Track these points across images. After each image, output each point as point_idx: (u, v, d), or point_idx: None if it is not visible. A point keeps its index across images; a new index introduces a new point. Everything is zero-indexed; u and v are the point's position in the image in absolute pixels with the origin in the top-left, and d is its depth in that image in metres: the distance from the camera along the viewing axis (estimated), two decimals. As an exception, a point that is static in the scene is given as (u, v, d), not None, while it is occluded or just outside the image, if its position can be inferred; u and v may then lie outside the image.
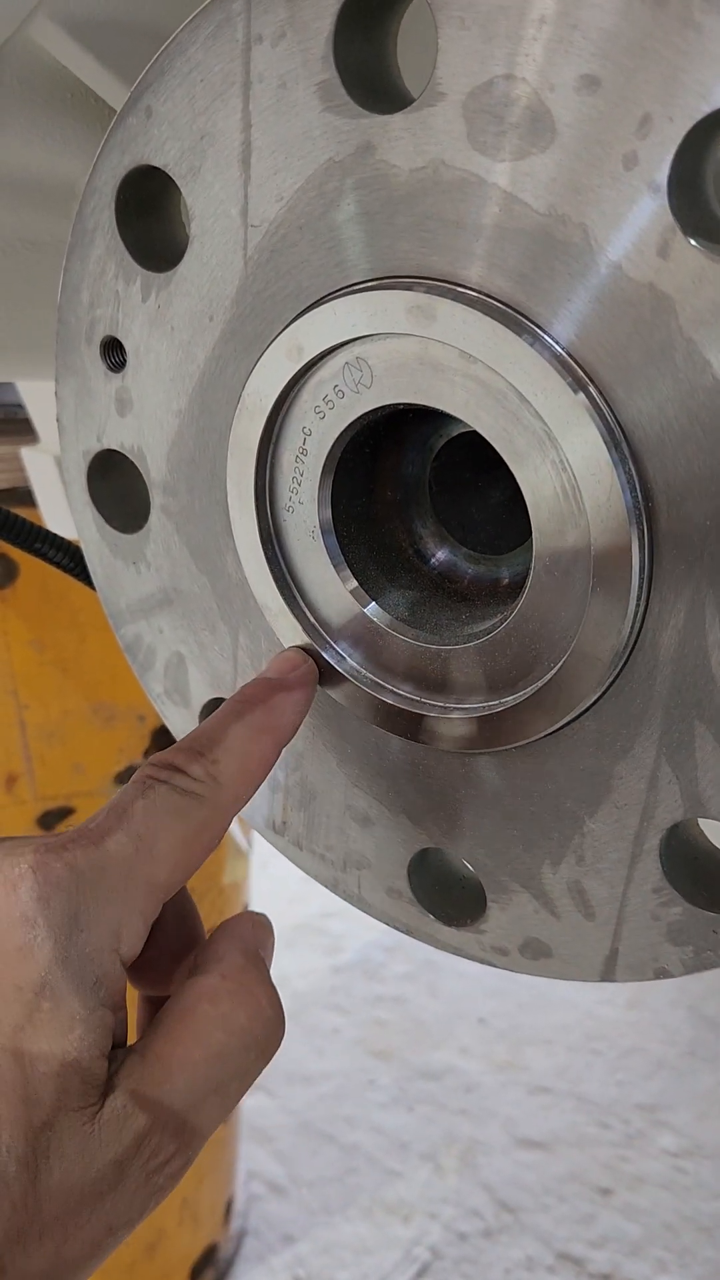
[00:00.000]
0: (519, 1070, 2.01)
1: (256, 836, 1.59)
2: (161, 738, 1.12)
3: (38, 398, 0.94)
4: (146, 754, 1.11)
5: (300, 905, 2.43)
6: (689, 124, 0.32)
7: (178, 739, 0.58)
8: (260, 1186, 1.74)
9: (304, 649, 0.48)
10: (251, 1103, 1.89)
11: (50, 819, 1.07)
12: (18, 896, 0.37)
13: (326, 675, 0.49)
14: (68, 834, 0.39)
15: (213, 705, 0.56)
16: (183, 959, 0.45)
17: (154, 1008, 0.43)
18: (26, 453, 0.94)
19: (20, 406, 0.99)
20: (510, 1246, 1.64)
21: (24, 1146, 0.35)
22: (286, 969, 2.28)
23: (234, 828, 1.26)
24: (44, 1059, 0.36)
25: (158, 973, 0.45)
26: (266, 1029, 0.40)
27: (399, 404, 0.43)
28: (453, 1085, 1.97)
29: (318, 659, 0.48)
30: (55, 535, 0.65)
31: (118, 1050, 0.38)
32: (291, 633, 0.49)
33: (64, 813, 1.09)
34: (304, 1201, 1.67)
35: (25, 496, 0.94)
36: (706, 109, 0.32)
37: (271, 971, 0.43)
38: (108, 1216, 0.36)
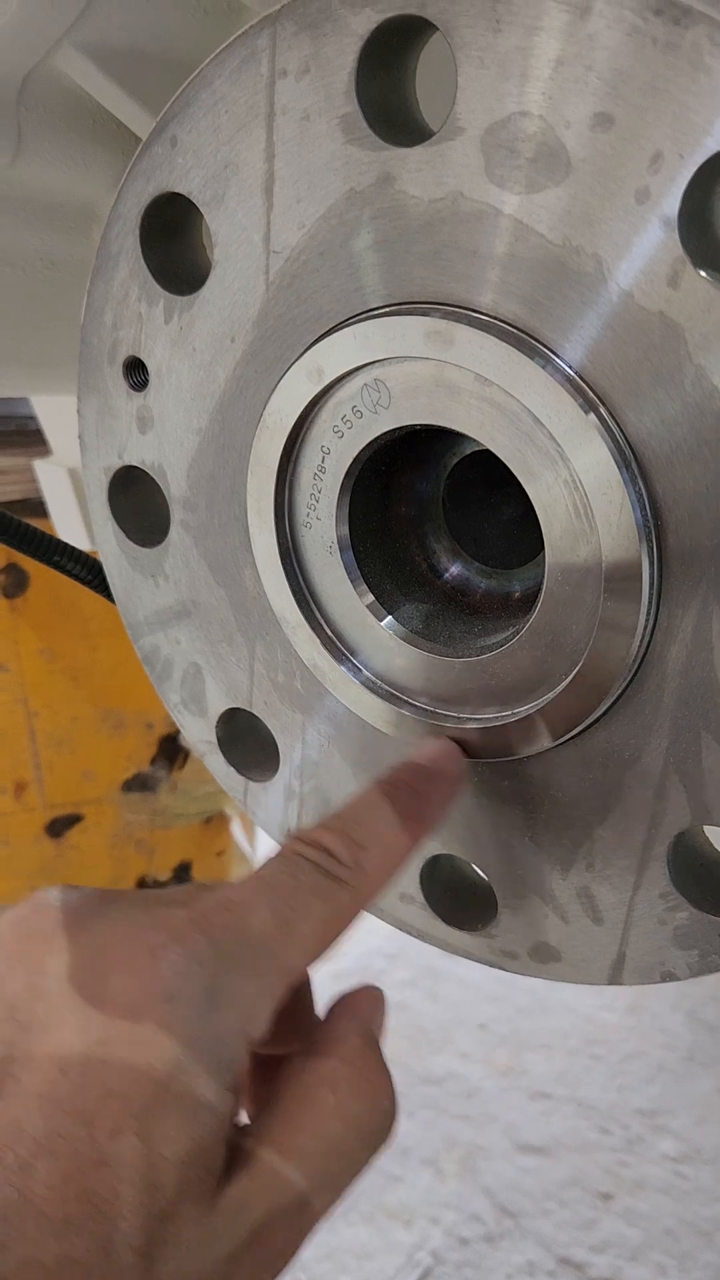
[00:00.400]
0: (519, 1075, 2.02)
1: (260, 843, 1.60)
2: (169, 745, 1.13)
3: (51, 411, 0.95)
4: (153, 761, 1.13)
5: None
6: (699, 161, 0.34)
7: (192, 748, 0.60)
8: (262, 1191, 1.74)
9: (455, 740, 0.47)
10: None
11: (59, 826, 1.09)
12: (158, 969, 0.36)
13: (342, 687, 0.50)
14: (209, 901, 0.38)
15: (229, 715, 0.57)
16: (294, 1020, 0.43)
17: (259, 1067, 0.42)
18: (39, 464, 0.95)
19: (32, 418, 1.01)
20: (511, 1251, 1.65)
21: (141, 1236, 0.33)
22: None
23: (239, 834, 1.27)
24: (170, 1143, 0.34)
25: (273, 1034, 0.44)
26: (383, 1122, 0.39)
27: (416, 425, 0.44)
28: (453, 1090, 1.97)
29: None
30: (74, 548, 0.66)
31: (232, 1137, 0.37)
32: (308, 645, 0.50)
33: (72, 820, 1.11)
34: (306, 1206, 1.67)
35: (37, 507, 0.95)
36: (715, 147, 0.34)
37: None
38: None
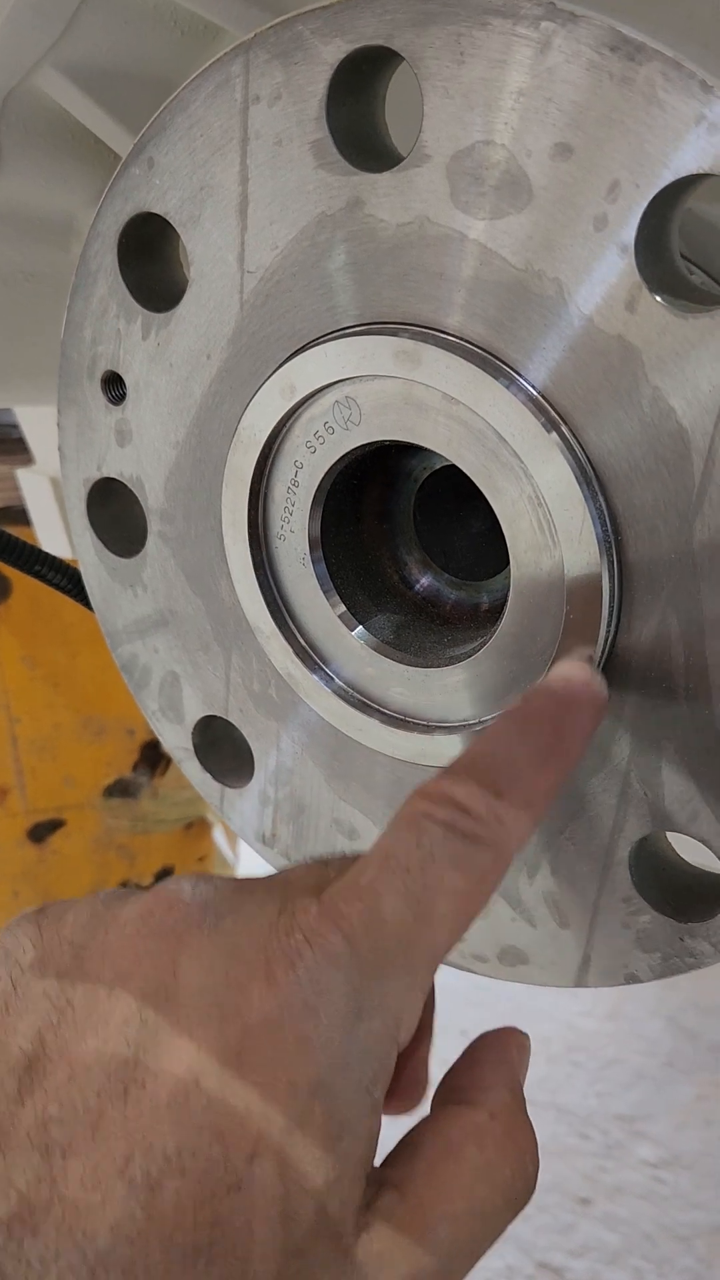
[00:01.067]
0: (500, 1081, 2.03)
1: (242, 849, 1.61)
2: (150, 752, 1.14)
3: (35, 421, 0.96)
4: (135, 767, 1.14)
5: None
6: (653, 190, 0.35)
7: (171, 755, 0.61)
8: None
9: (590, 659, 0.41)
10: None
11: (41, 831, 1.09)
12: (297, 977, 0.32)
13: (315, 695, 0.51)
14: (335, 891, 0.34)
15: (205, 722, 0.58)
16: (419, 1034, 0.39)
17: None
18: (22, 473, 0.96)
19: (15, 427, 1.02)
20: (491, 1256, 1.66)
21: (274, 1273, 0.30)
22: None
23: (221, 840, 1.28)
24: (309, 1172, 0.31)
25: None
26: (526, 1187, 0.35)
27: (386, 440, 0.45)
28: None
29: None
30: (54, 558, 0.67)
31: (371, 1175, 0.33)
32: (282, 654, 0.51)
33: (54, 825, 1.11)
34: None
35: (19, 515, 0.96)
36: (670, 177, 0.35)
37: None
38: None
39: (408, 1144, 0.35)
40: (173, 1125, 0.30)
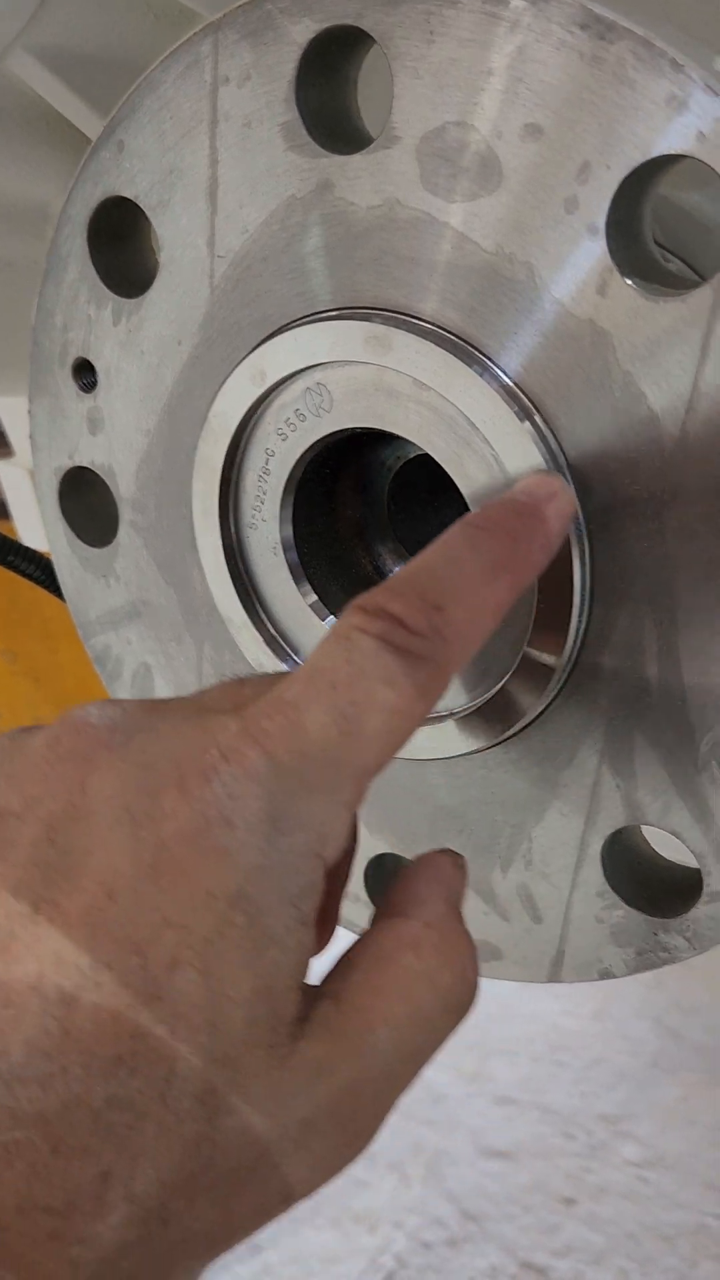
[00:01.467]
0: (485, 1081, 2.03)
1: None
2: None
3: (12, 413, 0.95)
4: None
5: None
6: (624, 171, 0.35)
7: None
8: (226, 1197, 1.73)
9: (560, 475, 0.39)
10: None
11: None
12: (213, 790, 0.31)
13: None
14: (256, 706, 0.32)
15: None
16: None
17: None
18: (0, 465, 0.96)
19: (-6, 420, 1.01)
20: (475, 1255, 1.66)
21: (201, 1082, 0.29)
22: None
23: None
24: (234, 981, 0.30)
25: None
26: (467, 993, 0.34)
27: (357, 428, 0.45)
28: (419, 1096, 1.98)
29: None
30: (26, 548, 0.66)
31: (306, 989, 0.32)
32: (254, 645, 0.50)
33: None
34: (270, 1211, 1.67)
35: (0, 508, 0.96)
36: (640, 158, 0.34)
37: None
38: (284, 1183, 0.31)
39: (344, 960, 0.34)
40: (86, 939, 0.29)
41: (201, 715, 0.33)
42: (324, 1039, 0.31)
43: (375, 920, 0.36)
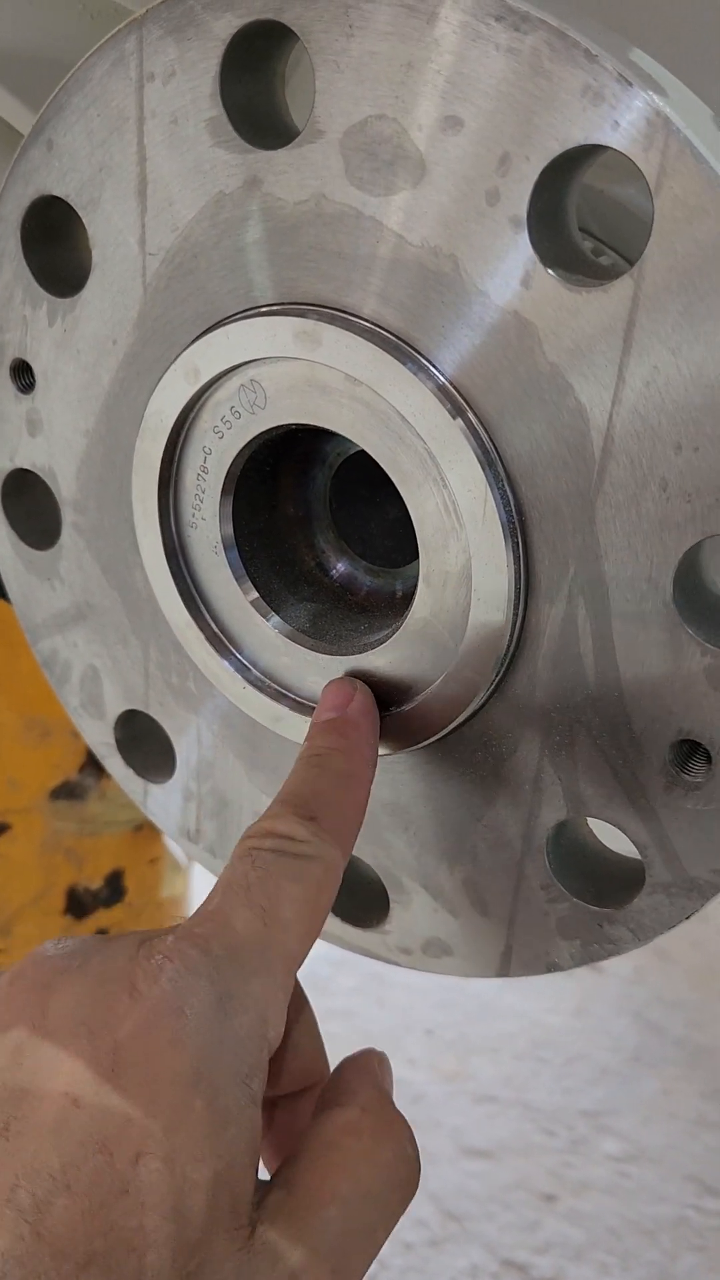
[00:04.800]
0: (466, 1080, 2.03)
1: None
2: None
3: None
4: (81, 769, 1.12)
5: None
6: (543, 163, 0.35)
7: (94, 750, 0.60)
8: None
9: (350, 676, 0.46)
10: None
11: (-15, 835, 1.08)
12: (160, 987, 0.34)
13: (231, 686, 0.50)
14: (187, 922, 0.37)
15: (127, 717, 0.57)
16: (305, 1073, 0.43)
17: (273, 1117, 0.42)
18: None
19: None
20: (455, 1255, 1.66)
21: (171, 1271, 0.31)
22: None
23: (171, 841, 1.27)
24: (195, 1165, 0.32)
25: (285, 1079, 0.42)
26: (409, 1169, 0.37)
27: (292, 424, 0.44)
28: (400, 1096, 1.96)
29: (365, 679, 0.46)
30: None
31: (257, 1175, 0.35)
32: (197, 644, 0.50)
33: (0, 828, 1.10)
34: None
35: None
36: (558, 149, 0.34)
37: None
38: None
39: (289, 1155, 0.37)
40: (55, 1145, 0.31)
41: (144, 938, 0.37)
42: (279, 1223, 0.34)
43: (315, 1113, 0.39)
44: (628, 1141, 1.87)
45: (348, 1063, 0.41)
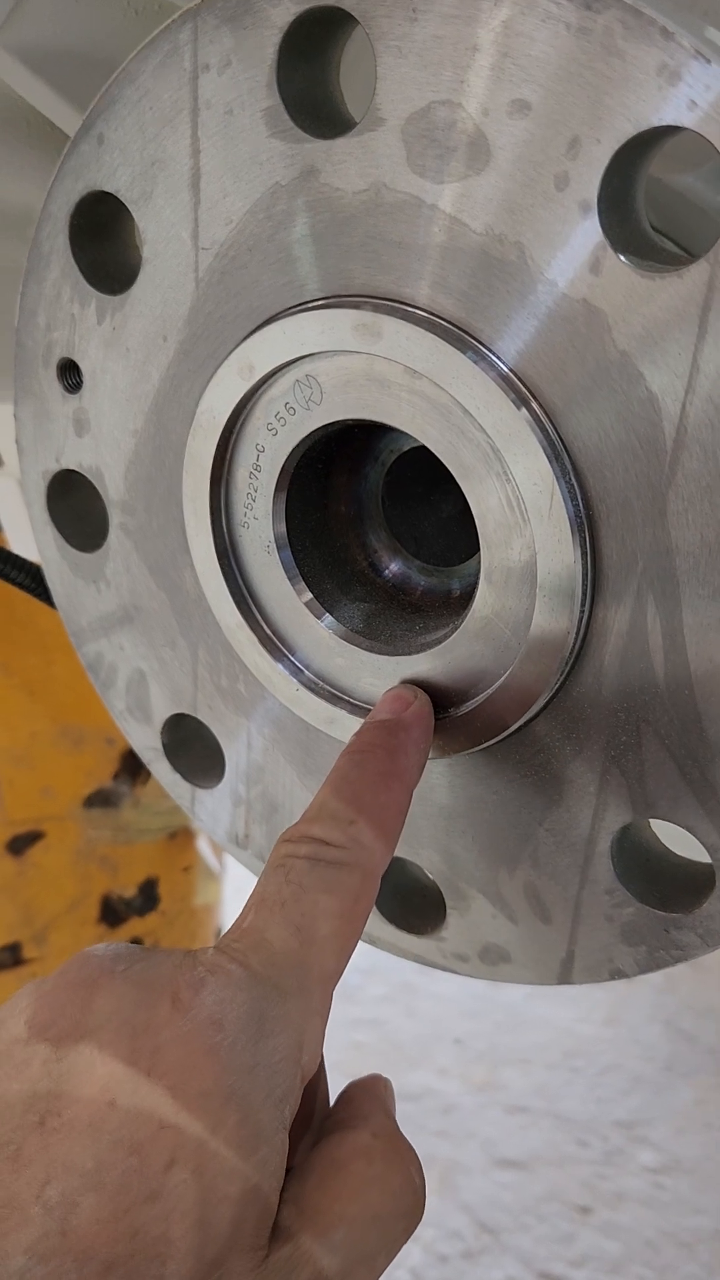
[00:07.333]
0: (497, 1090, 2.01)
1: (228, 857, 1.59)
2: (131, 760, 1.12)
3: (3, 421, 0.94)
4: (115, 776, 1.11)
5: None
6: (615, 145, 0.34)
7: (140, 755, 0.59)
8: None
9: (411, 684, 0.46)
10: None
11: (20, 843, 1.07)
12: (202, 999, 0.34)
13: (283, 688, 0.49)
14: (225, 938, 0.37)
15: (175, 721, 0.56)
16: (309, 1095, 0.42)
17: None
18: (-8, 478, 0.95)
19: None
20: (491, 1267, 1.64)
21: None
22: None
23: (205, 849, 1.26)
24: (225, 1179, 0.32)
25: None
26: (416, 1198, 0.37)
27: (348, 420, 0.44)
28: (431, 1106, 1.96)
29: (426, 688, 0.46)
30: (15, 556, 0.65)
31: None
32: (249, 646, 0.49)
33: (34, 837, 1.09)
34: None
35: (-9, 521, 0.95)
36: (631, 131, 0.33)
37: None
38: None
39: (296, 1171, 0.36)
40: (90, 1144, 0.31)
41: (187, 950, 0.37)
42: (289, 1242, 0.33)
43: (323, 1134, 0.38)
44: (663, 1152, 1.85)
45: (356, 1086, 0.41)
